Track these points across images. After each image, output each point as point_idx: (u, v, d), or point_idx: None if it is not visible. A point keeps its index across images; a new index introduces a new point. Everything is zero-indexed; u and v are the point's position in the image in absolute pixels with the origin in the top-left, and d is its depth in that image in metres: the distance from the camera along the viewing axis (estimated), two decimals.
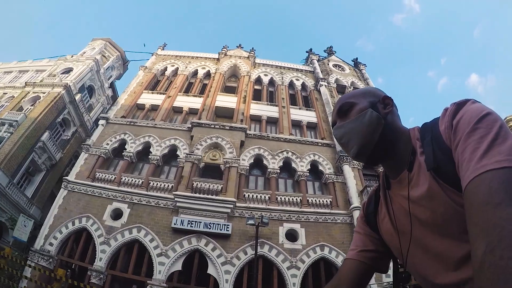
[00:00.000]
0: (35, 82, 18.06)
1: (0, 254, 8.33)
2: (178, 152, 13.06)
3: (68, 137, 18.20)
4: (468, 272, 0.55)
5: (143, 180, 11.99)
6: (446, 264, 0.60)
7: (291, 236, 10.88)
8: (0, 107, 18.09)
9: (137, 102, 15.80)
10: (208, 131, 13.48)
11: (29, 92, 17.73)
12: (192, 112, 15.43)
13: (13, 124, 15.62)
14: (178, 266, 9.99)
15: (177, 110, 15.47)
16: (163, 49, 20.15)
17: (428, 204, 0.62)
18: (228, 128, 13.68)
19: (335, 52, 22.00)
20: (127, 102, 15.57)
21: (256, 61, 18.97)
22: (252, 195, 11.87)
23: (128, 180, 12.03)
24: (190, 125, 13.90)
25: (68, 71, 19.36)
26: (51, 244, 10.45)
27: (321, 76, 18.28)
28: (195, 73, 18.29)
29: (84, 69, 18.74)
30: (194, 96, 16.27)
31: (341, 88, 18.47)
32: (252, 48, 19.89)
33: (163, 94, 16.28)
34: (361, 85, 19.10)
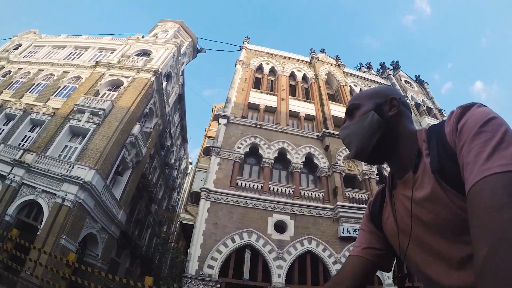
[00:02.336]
0: (110, 63, 15.34)
1: None
2: (316, 161, 12.70)
3: (150, 130, 15.94)
4: (471, 275, 0.55)
5: (293, 190, 11.46)
6: (449, 264, 0.60)
7: None
8: (63, 88, 15.02)
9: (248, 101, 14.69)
10: (339, 141, 13.32)
11: (103, 74, 15.02)
12: (308, 118, 14.98)
13: (99, 113, 13.15)
14: None
15: (293, 115, 14.83)
16: (248, 43, 18.81)
17: (431, 206, 0.62)
18: None
19: (400, 66, 23.10)
20: (239, 100, 14.37)
21: (343, 70, 19.03)
22: None
23: (277, 189, 11.35)
24: (320, 134, 13.59)
25: (143, 53, 16.85)
26: (210, 267, 9.25)
27: (402, 93, 19.09)
28: (292, 74, 17.61)
29: (168, 54, 16.45)
30: (304, 101, 15.76)
31: (416, 106, 19.46)
32: (337, 55, 19.84)
33: (273, 95, 15.40)
34: (429, 104, 20.47)
